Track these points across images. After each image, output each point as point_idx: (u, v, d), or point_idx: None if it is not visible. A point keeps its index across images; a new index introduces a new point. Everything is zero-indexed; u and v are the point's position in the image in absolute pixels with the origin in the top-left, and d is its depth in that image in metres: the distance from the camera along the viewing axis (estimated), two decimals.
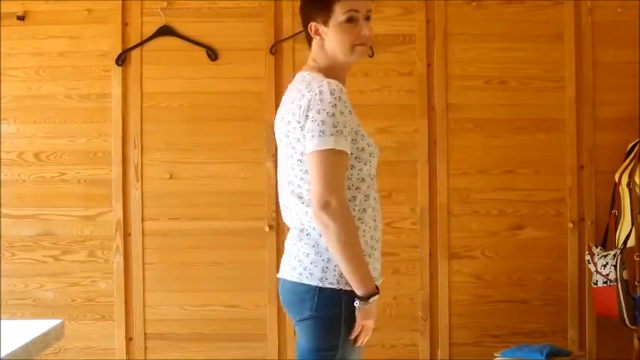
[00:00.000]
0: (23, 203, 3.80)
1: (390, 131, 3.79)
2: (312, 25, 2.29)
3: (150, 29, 3.79)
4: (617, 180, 3.58)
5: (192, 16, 3.81)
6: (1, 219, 3.78)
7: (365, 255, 2.21)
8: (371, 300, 2.19)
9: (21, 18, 3.78)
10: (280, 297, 2.35)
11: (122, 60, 3.79)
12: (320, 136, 2.13)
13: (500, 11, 3.81)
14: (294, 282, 2.24)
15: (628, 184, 3.50)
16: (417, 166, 3.79)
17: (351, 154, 2.20)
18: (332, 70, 2.29)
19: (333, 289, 2.19)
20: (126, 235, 3.79)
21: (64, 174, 3.80)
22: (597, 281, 3.52)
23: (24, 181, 3.80)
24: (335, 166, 2.15)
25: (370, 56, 3.76)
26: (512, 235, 3.79)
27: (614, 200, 3.59)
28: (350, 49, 2.26)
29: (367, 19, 2.29)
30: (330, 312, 2.20)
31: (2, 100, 3.79)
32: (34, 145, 3.81)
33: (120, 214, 3.78)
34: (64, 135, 3.80)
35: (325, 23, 2.27)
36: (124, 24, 3.80)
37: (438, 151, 3.79)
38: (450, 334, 3.78)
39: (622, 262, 3.41)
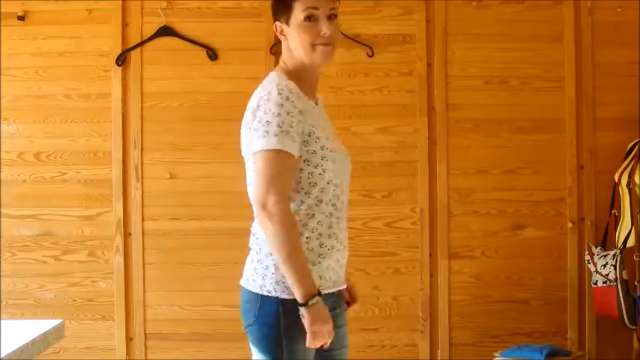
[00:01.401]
0: (23, 203, 3.80)
1: (390, 131, 3.79)
2: (277, 24, 2.25)
3: (150, 29, 3.79)
4: (616, 180, 3.58)
5: (192, 16, 3.80)
6: (1, 219, 3.78)
7: (307, 262, 2.11)
8: (310, 303, 2.06)
9: (21, 18, 3.78)
10: None
11: (122, 60, 3.79)
12: (264, 136, 2.09)
13: (501, 11, 3.81)
14: (243, 288, 2.22)
15: (628, 184, 3.50)
16: (417, 166, 3.79)
17: (300, 156, 2.13)
18: (299, 71, 2.21)
19: (271, 297, 2.13)
20: (126, 235, 3.79)
21: (64, 174, 3.80)
22: (597, 281, 3.52)
23: (24, 181, 3.80)
24: (276, 167, 2.08)
25: (370, 56, 3.77)
26: (512, 235, 3.79)
27: (614, 200, 3.59)
28: (310, 49, 2.17)
29: (331, 17, 2.18)
30: (270, 320, 2.13)
31: (2, 100, 3.79)
32: (34, 145, 3.80)
33: (120, 214, 3.78)
34: (64, 135, 3.80)
35: (287, 22, 2.21)
36: (124, 24, 3.79)
37: (438, 151, 3.79)
38: (450, 334, 3.78)
39: (622, 262, 3.41)
